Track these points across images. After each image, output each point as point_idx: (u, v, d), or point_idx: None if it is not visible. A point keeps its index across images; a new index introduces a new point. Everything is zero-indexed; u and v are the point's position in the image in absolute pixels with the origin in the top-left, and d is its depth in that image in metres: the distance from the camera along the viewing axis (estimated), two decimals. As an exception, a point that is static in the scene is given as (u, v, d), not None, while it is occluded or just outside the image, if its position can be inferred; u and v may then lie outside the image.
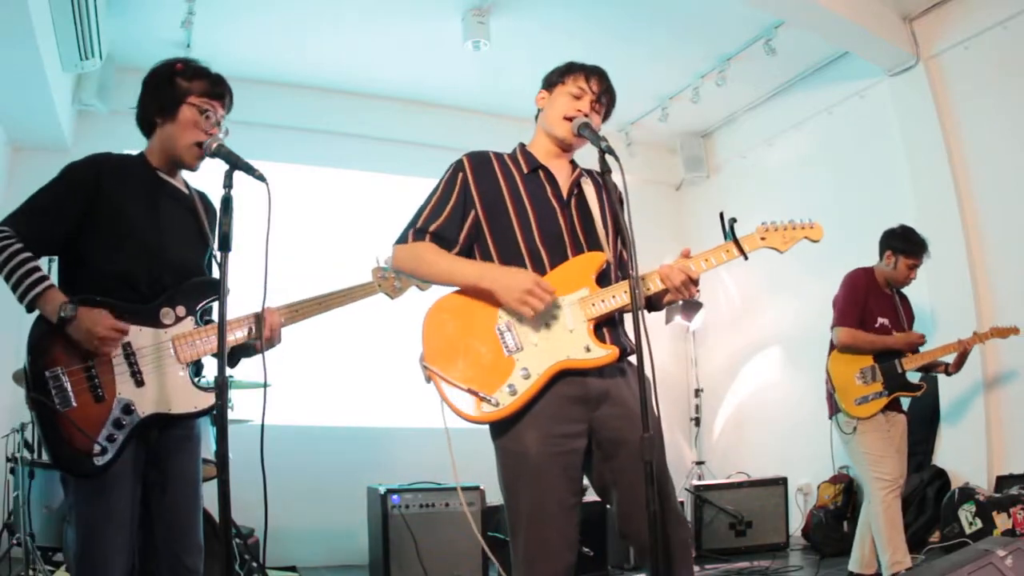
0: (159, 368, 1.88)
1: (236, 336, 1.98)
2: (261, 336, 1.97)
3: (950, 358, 3.72)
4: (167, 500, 1.90)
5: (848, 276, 3.73)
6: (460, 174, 2.00)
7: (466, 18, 4.78)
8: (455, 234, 1.97)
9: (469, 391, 1.83)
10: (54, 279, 1.88)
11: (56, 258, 1.96)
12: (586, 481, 1.95)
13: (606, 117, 2.12)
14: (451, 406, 1.84)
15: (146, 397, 1.85)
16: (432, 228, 1.96)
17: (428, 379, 1.88)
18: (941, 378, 4.52)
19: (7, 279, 1.80)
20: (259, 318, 1.98)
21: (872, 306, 3.64)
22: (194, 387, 1.92)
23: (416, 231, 1.96)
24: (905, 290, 3.87)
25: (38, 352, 1.78)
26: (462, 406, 1.84)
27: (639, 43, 5.24)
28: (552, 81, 2.11)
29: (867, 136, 5.33)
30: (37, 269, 1.81)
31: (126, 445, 1.81)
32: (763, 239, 2.04)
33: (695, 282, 1.95)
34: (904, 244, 3.66)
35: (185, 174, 2.11)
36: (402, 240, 1.98)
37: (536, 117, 2.15)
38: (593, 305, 1.90)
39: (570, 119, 2.01)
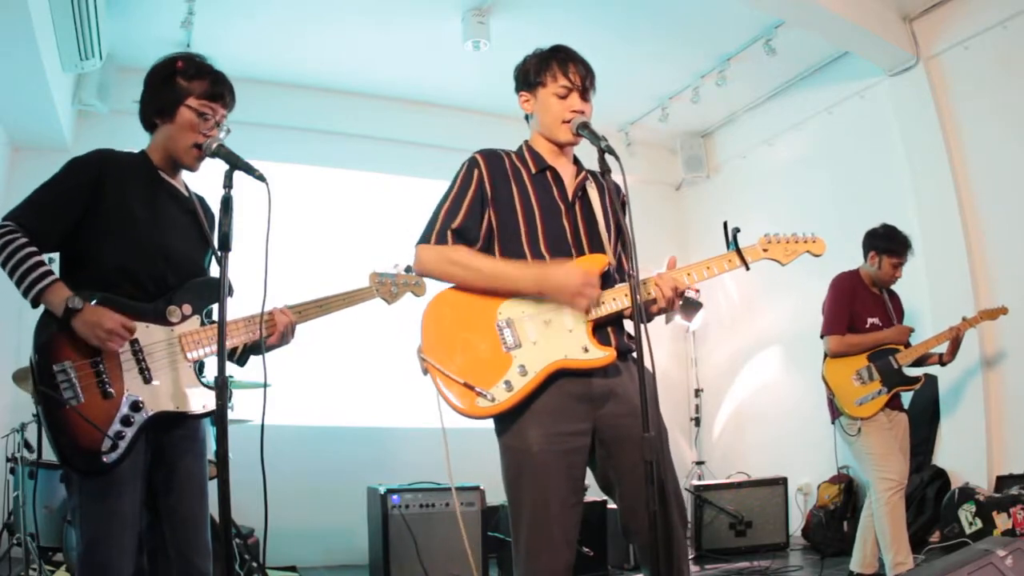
0: (167, 366, 1.87)
1: (244, 337, 1.97)
2: (262, 336, 1.96)
3: (944, 348, 3.72)
4: (174, 501, 1.89)
5: (833, 281, 3.74)
6: (476, 171, 2.00)
7: (466, 18, 4.78)
8: (476, 229, 1.96)
9: (465, 384, 1.83)
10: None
11: (57, 255, 1.94)
12: (587, 480, 1.95)
13: (593, 88, 2.08)
14: (446, 399, 1.84)
15: (154, 394, 1.83)
16: (454, 225, 1.94)
17: (425, 371, 1.88)
18: (941, 379, 4.53)
19: (11, 274, 1.77)
20: (263, 318, 1.96)
21: (860, 308, 3.64)
22: (202, 386, 1.91)
23: (439, 230, 1.94)
24: (904, 289, 3.87)
25: (46, 346, 1.75)
26: (457, 399, 1.83)
27: (639, 43, 5.24)
28: (530, 82, 2.06)
29: (867, 136, 5.32)
30: (43, 264, 1.79)
31: (134, 443, 1.79)
32: (765, 250, 2.05)
33: (680, 294, 1.96)
34: (887, 243, 3.66)
35: (186, 175, 2.11)
36: (424, 240, 1.96)
37: (527, 118, 2.13)
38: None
39: (568, 121, 2.00)
